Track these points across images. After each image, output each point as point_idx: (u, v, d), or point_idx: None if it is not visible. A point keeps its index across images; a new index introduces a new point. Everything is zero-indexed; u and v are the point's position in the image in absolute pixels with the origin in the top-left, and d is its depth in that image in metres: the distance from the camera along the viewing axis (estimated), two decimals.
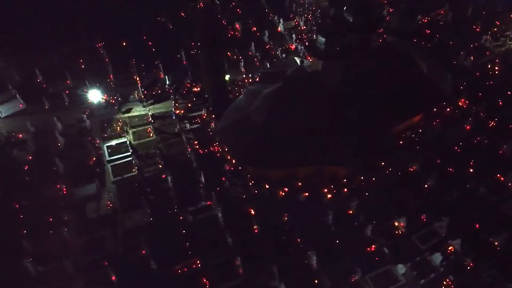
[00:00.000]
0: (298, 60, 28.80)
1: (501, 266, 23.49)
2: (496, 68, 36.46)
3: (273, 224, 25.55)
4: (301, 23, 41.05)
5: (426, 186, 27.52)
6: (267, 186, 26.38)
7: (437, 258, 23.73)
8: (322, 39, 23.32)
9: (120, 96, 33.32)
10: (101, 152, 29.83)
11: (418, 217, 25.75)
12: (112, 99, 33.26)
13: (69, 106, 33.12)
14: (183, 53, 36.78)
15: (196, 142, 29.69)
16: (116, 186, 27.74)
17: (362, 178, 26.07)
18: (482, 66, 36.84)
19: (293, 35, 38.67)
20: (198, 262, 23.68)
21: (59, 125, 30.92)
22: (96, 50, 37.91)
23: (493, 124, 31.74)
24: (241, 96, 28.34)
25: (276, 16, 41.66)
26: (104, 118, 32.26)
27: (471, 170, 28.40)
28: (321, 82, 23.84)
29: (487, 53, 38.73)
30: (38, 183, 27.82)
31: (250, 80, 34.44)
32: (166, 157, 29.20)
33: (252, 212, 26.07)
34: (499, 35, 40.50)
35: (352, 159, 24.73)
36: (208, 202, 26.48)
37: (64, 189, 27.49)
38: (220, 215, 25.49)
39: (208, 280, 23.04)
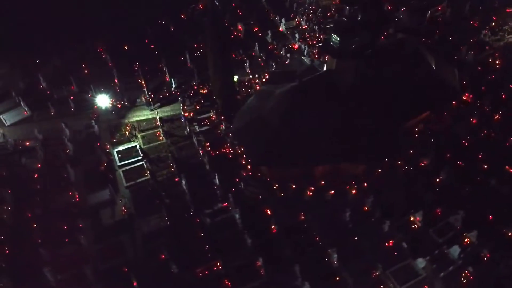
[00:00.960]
0: (307, 60, 28.97)
1: None
2: (497, 62, 37.12)
3: (290, 223, 25.66)
4: (303, 22, 41.19)
5: (438, 180, 27.94)
6: (283, 186, 26.42)
7: (455, 250, 24.04)
8: (336, 38, 23.50)
9: (127, 100, 33.03)
10: (111, 157, 29.54)
11: (433, 211, 26.13)
12: (118, 104, 32.98)
13: (75, 112, 32.72)
14: (187, 55, 36.68)
15: (208, 144, 29.59)
16: (130, 191, 27.51)
17: (378, 175, 26.31)
18: (483, 61, 37.54)
19: (296, 35, 38.79)
20: (219, 264, 23.65)
21: (67, 131, 30.54)
22: (99, 54, 37.58)
23: (498, 118, 32.32)
24: (251, 97, 28.33)
25: (277, 16, 41.74)
26: (111, 123, 31.96)
27: (481, 163, 28.91)
28: (335, 81, 24.01)
29: (487, 47, 39.44)
30: (50, 190, 27.48)
31: (257, 81, 34.48)
32: (178, 160, 29.04)
33: (269, 212, 26.16)
34: (497, 29, 41.18)
35: (369, 156, 24.94)
36: (225, 204, 26.46)
37: (77, 196, 27.19)
38: (237, 216, 25.46)
39: (230, 282, 23.02)
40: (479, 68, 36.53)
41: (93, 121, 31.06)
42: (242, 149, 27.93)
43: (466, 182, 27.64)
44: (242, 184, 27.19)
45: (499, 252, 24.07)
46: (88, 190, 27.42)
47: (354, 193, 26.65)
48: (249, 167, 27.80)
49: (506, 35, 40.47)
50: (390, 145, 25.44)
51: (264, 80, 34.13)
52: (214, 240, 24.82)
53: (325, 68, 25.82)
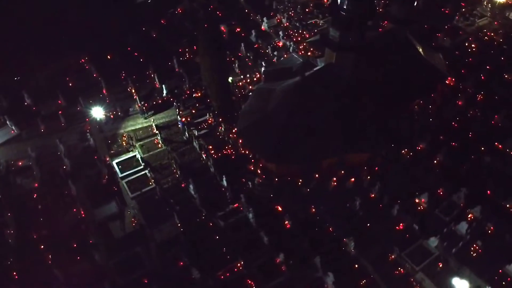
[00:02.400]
0: (299, 57, 29.38)
1: None
2: (473, 45, 39.03)
3: (303, 217, 25.99)
4: (284, 20, 41.67)
5: (435, 162, 29.09)
6: (292, 181, 26.74)
7: (463, 227, 25.13)
8: (336, 32, 24.00)
9: (120, 110, 32.34)
10: (111, 169, 28.83)
11: (436, 191, 27.17)
12: (111, 114, 32.24)
13: (67, 127, 31.70)
14: (174, 61, 36.30)
15: (210, 147, 29.45)
16: (137, 201, 26.98)
17: (382, 161, 27.13)
18: (460, 45, 39.35)
19: (280, 32, 39.20)
20: (239, 265, 23.66)
21: (61, 147, 29.55)
22: (82, 66, 36.55)
23: (481, 98, 34.00)
24: (250, 96, 28.40)
25: (258, 16, 41.99)
26: (107, 135, 31.19)
27: (473, 142, 30.32)
28: (336, 73, 24.53)
29: (460, 32, 41.39)
30: (53, 209, 26.54)
31: (248, 80, 34.62)
32: (181, 166, 28.73)
33: (280, 209, 26.38)
34: (467, 15, 43.26)
35: (373, 145, 25.66)
36: (235, 205, 26.46)
37: (82, 212, 26.42)
38: (251, 215, 25.53)
39: (253, 281, 23.08)
40: (457, 52, 38.34)
41: (88, 134, 30.17)
42: (248, 149, 27.99)
43: (463, 161, 29.00)
44: (250, 183, 27.26)
45: (502, 224, 25.42)
46: (93, 205, 26.66)
47: (360, 181, 27.32)
48: (253, 166, 27.95)
49: (476, 20, 42.59)
50: (392, 131, 26.24)
51: (256, 79, 34.36)
52: (230, 241, 24.79)
53: (323, 63, 26.29)
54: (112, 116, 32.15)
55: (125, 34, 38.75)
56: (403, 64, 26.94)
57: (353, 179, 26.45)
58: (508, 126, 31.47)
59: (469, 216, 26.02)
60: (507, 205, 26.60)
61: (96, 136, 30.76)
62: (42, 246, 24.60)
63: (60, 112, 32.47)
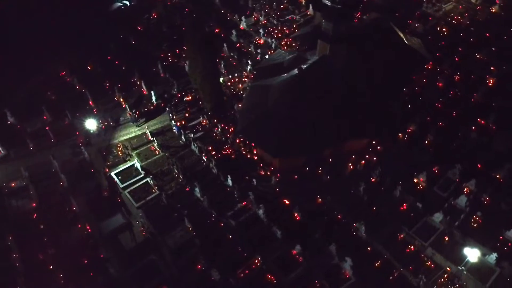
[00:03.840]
0: (286, 52, 29.82)
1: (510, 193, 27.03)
2: (444, 29, 40.97)
3: (311, 208, 26.49)
4: (261, 18, 42.06)
5: (427, 142, 30.41)
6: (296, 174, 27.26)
7: (462, 200, 26.49)
8: (329, 24, 24.63)
9: (112, 120, 31.68)
10: (111, 181, 28.21)
11: (432, 170, 28.42)
12: (102, 125, 31.50)
13: (57, 142, 30.70)
14: (159, 66, 35.89)
15: (210, 148, 29.42)
16: (143, 210, 26.57)
17: (380, 146, 28.14)
18: (431, 30, 41.21)
19: (260, 30, 39.57)
20: (257, 261, 23.85)
21: (55, 163, 28.61)
22: (63, 79, 35.45)
23: (458, 78, 35.81)
24: (246, 95, 28.54)
25: (236, 15, 42.17)
26: (100, 146, 30.48)
27: (458, 120, 31.93)
28: (330, 65, 25.17)
29: (430, 18, 43.32)
30: (56, 227, 25.68)
31: (237, 80, 34.77)
32: (182, 170, 28.53)
33: (287, 202, 26.78)
34: (434, 1, 45.33)
35: (372, 130, 26.56)
36: (244, 203, 26.61)
37: (88, 227, 25.74)
38: (261, 211, 25.76)
39: (273, 275, 23.35)
40: (429, 37, 40.11)
41: (82, 147, 29.35)
42: (252, 146, 28.21)
43: (452, 139, 30.50)
44: (254, 181, 27.47)
45: (496, 194, 26.99)
46: (98, 219, 26.03)
47: (360, 167, 28.21)
48: (256, 164, 28.26)
49: (443, 5, 44.68)
50: (387, 116, 27.24)
51: (245, 78, 34.58)
52: (244, 239, 24.93)
53: (315, 55, 26.88)
54: (103, 127, 31.41)
55: (104, 43, 37.88)
56: (389, 51, 28.00)
57: (363, 162, 27.27)
58: (487, 102, 33.41)
59: (465, 190, 27.47)
60: (497, 176, 28.27)
61: (89, 149, 29.95)
62: (51, 266, 23.80)
63: (47, 128, 31.39)
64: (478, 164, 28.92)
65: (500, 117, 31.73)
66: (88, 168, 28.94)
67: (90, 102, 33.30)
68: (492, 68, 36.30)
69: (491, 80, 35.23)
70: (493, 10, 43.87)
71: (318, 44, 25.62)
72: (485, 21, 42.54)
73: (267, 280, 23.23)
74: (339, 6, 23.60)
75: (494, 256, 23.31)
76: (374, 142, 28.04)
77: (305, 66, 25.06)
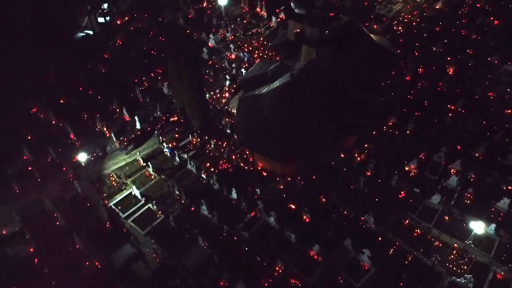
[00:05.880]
0: (268, 63, 30.70)
1: (491, 168, 29.38)
2: (400, 28, 44.00)
3: (317, 208, 27.16)
4: (228, 34, 42.83)
5: (408, 132, 32.36)
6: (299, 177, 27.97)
7: (453, 180, 28.39)
8: (314, 29, 25.77)
9: (100, 150, 30.68)
10: (111, 212, 27.24)
11: (419, 156, 30.24)
12: (91, 157, 30.40)
13: (43, 181, 29.17)
14: (137, 91, 35.38)
15: (208, 164, 29.35)
16: (151, 236, 25.89)
17: (369, 141, 29.67)
18: (388, 30, 44.06)
19: (231, 45, 40.29)
20: (278, 268, 24.03)
21: (48, 202, 27.18)
22: (36, 116, 33.86)
23: (422, 71, 38.55)
24: (238, 108, 28.82)
25: (203, 34, 42.61)
26: (92, 179, 29.35)
27: (430, 108, 34.30)
28: (317, 68, 26.27)
29: (384, 19, 46.33)
30: (63, 268, 24.30)
31: (218, 95, 35.07)
32: (184, 190, 28.18)
33: (293, 206, 27.29)
34: (384, 2, 48.62)
35: (362, 126, 27.95)
36: (252, 213, 26.76)
37: (97, 263, 24.61)
38: (272, 219, 26.04)
39: (297, 279, 23.61)
40: (388, 36, 42.85)
41: (75, 182, 28.12)
42: (248, 157, 28.55)
43: (430, 125, 32.70)
44: (258, 190, 27.75)
45: (480, 170, 29.22)
46: (106, 252, 24.98)
47: (354, 162, 29.46)
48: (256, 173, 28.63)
49: (393, 6, 48.05)
50: (374, 112, 28.78)
51: (226, 93, 34.97)
52: (260, 248, 25.03)
53: (299, 62, 27.89)
54: (92, 158, 30.32)
55: (73, 74, 36.74)
56: (365, 50, 29.74)
57: (362, 156, 28.79)
58: (452, 89, 36.23)
59: (452, 170, 29.49)
60: (476, 154, 30.64)
61: (81, 183, 28.75)
62: None
63: (29, 168, 29.78)
64: (458, 146, 31.25)
65: (466, 101, 34.65)
66: (84, 202, 27.74)
67: (71, 136, 32.06)
68: (448, 58, 39.64)
69: (451, 69, 38.39)
70: (437, 7, 47.90)
71: (303, 49, 26.68)
72: (433, 17, 46.31)
73: (292, 284, 23.46)
74: (320, 12, 24.95)
75: (492, 226, 25.20)
76: (363, 137, 29.51)
77: (295, 72, 25.94)
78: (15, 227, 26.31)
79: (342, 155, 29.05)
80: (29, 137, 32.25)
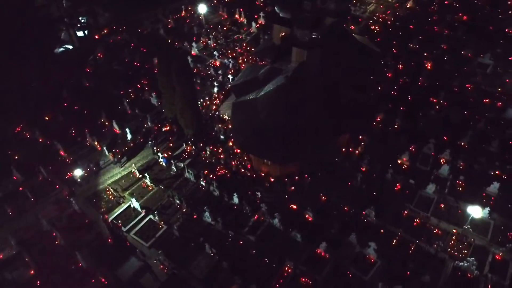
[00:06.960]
0: (257, 67, 31.01)
1: (478, 155, 30.75)
2: (377, 27, 45.43)
3: (318, 207, 27.58)
4: (210, 42, 42.95)
5: (396, 126, 33.42)
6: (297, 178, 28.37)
7: (444, 169, 29.49)
8: (304, 32, 26.28)
9: (93, 165, 30.03)
10: (111, 227, 26.68)
11: (409, 149, 31.26)
12: (85, 172, 29.68)
13: (37, 201, 28.24)
14: (125, 103, 34.90)
15: (206, 171, 29.27)
16: (156, 248, 25.52)
17: (361, 137, 30.50)
18: (365, 30, 45.42)
19: (215, 52, 40.44)
20: (287, 268, 24.20)
21: (44, 222, 26.32)
22: (21, 135, 32.82)
23: (401, 67, 39.94)
24: (232, 113, 28.86)
25: (185, 43, 42.55)
26: (87, 195, 28.67)
27: (414, 103, 35.58)
28: (308, 70, 26.78)
29: (360, 20, 47.75)
30: None
31: (208, 103, 35.08)
32: (184, 199, 27.97)
33: (295, 207, 27.59)
34: (358, 4, 50.09)
35: (355, 124, 28.68)
36: (256, 217, 26.86)
37: (103, 279, 24.03)
38: (276, 220, 26.22)
39: (308, 278, 23.84)
40: (366, 36, 44.15)
41: (72, 200, 27.37)
42: (245, 162, 28.73)
43: (416, 119, 33.89)
44: (258, 193, 27.91)
45: (467, 158, 30.51)
46: (112, 268, 24.42)
47: (349, 160, 30.14)
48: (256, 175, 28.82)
49: (367, 7, 49.59)
50: (365, 109, 29.56)
51: (216, 100, 35.04)
52: (268, 250, 25.15)
53: (290, 64, 28.33)
54: (86, 174, 29.62)
55: (56, 90, 35.87)
56: (351, 50, 30.54)
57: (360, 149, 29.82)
58: (433, 83, 37.72)
59: (442, 160, 30.65)
60: (462, 143, 31.96)
61: (77, 199, 28.02)
62: None
63: (20, 188, 28.82)
64: (444, 136, 32.51)
65: (448, 94, 36.16)
66: (82, 219, 27.06)
67: (61, 152, 31.24)
68: (425, 54, 41.28)
69: (428, 64, 39.99)
70: (408, 6, 49.86)
71: (294, 51, 27.14)
72: (405, 15, 48.17)
73: (303, 284, 23.67)
74: (309, 15, 25.55)
75: (486, 210, 26.34)
76: (355, 135, 30.33)
77: (289, 74, 26.35)
78: (12, 250, 25.31)
79: (339, 153, 29.65)
80: (16, 157, 31.17)
